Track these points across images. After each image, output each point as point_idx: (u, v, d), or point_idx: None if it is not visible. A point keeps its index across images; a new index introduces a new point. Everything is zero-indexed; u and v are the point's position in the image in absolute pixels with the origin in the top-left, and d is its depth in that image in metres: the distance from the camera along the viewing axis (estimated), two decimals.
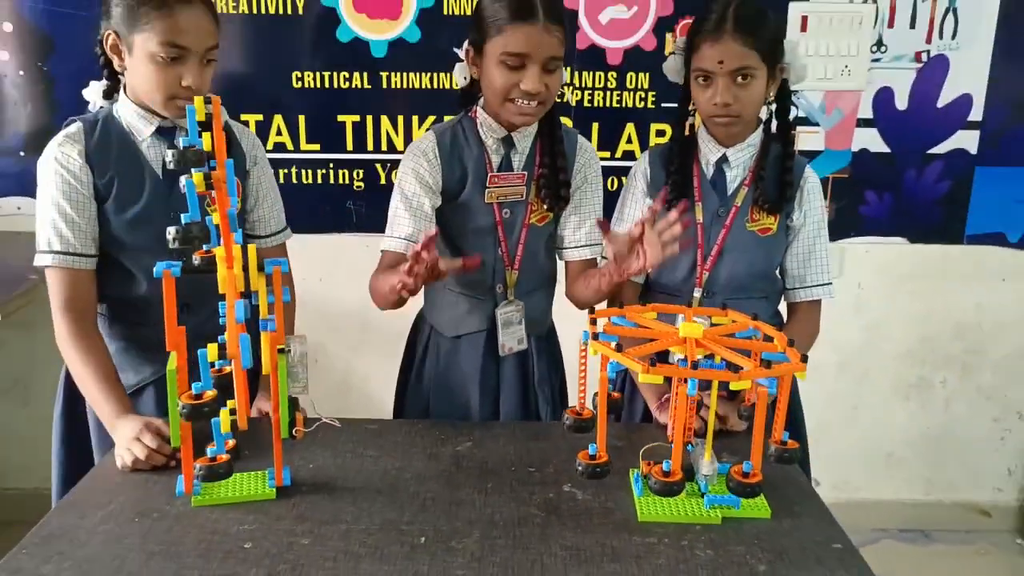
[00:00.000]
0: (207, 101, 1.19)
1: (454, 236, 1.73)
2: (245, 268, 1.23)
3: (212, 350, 1.20)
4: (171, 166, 1.19)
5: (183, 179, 1.24)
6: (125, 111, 1.57)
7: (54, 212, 1.53)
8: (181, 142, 1.20)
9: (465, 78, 1.69)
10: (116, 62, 1.53)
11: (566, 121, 2.55)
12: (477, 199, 1.69)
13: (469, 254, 1.68)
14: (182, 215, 1.19)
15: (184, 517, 1.28)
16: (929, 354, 2.89)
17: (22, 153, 2.60)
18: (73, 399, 1.69)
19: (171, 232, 1.18)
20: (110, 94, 1.61)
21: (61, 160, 1.53)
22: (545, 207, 1.73)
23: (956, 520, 3.01)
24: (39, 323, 2.63)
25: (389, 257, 1.65)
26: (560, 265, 1.83)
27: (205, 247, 1.29)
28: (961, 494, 3.02)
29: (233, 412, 1.25)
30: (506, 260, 1.73)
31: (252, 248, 1.27)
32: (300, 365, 1.36)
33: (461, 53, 1.68)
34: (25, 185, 2.61)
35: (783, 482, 1.40)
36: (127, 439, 1.41)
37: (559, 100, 1.67)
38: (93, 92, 1.64)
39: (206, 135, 1.21)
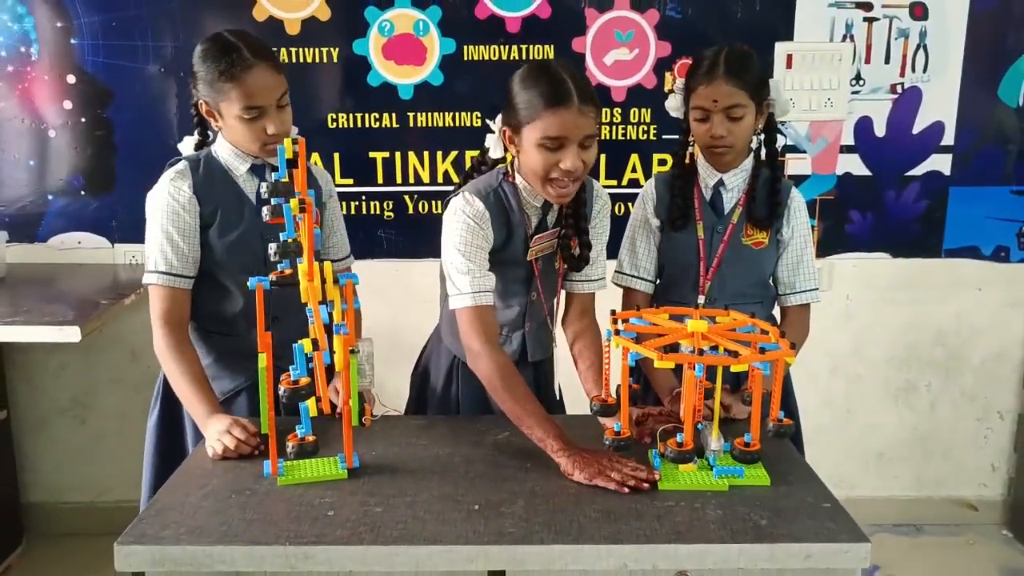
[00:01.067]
0: (295, 142, 1.45)
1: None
2: (324, 281, 1.47)
3: (306, 344, 1.44)
4: (265, 195, 1.44)
5: (266, 210, 1.49)
6: (223, 151, 1.83)
7: (163, 238, 1.77)
8: (273, 176, 1.45)
9: (500, 153, 1.79)
10: (212, 123, 1.80)
11: None
12: (519, 256, 1.81)
13: (504, 296, 1.84)
14: (280, 233, 1.44)
15: (273, 493, 1.51)
16: (914, 360, 3.10)
17: (82, 192, 2.85)
18: (170, 408, 1.92)
19: (272, 247, 1.43)
20: (201, 146, 1.87)
21: (172, 193, 1.78)
22: (566, 266, 1.86)
23: (945, 514, 3.20)
24: (96, 348, 2.90)
25: (484, 312, 1.71)
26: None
27: (279, 267, 1.54)
28: (949, 490, 3.21)
29: (318, 400, 1.48)
30: (545, 308, 1.89)
31: (328, 265, 1.52)
32: (367, 363, 1.61)
33: (494, 126, 1.78)
34: (85, 222, 2.86)
35: (779, 457, 1.63)
36: (218, 432, 1.64)
37: None
38: (186, 146, 1.90)
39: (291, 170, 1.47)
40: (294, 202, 1.42)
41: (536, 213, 1.81)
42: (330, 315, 1.50)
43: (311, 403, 1.47)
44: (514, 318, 1.88)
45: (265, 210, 1.51)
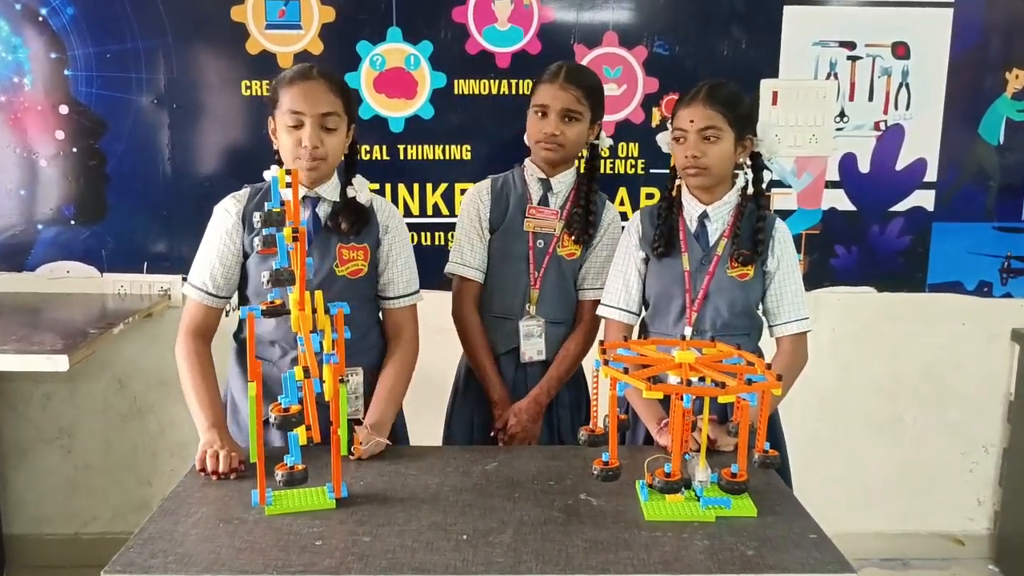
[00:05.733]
0: (288, 172, 1.47)
1: (496, 260, 2.14)
2: (326, 311, 1.48)
3: (298, 371, 1.45)
4: (257, 224, 1.46)
5: (258, 239, 1.50)
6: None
7: (205, 257, 1.87)
8: (267, 206, 1.47)
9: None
10: (274, 142, 1.84)
11: None
12: (517, 227, 2.12)
13: (506, 277, 2.08)
14: (274, 261, 1.45)
15: (261, 522, 1.50)
16: (899, 393, 3.12)
17: (72, 222, 2.85)
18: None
19: (264, 275, 1.44)
20: None
21: (220, 216, 1.88)
22: (573, 240, 2.11)
23: (932, 549, 3.21)
24: (83, 377, 2.89)
25: (458, 283, 2.16)
26: None
27: (270, 297, 1.55)
28: (935, 524, 3.22)
29: (309, 428, 1.48)
30: (532, 282, 2.12)
31: (319, 294, 1.53)
32: (355, 394, 1.61)
33: None
34: (75, 251, 2.86)
35: (766, 488, 1.65)
36: (206, 444, 1.71)
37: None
38: (270, 174, 1.89)
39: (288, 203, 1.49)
40: (287, 231, 1.44)
41: (537, 191, 2.13)
42: (321, 344, 1.52)
43: (301, 432, 1.48)
44: (515, 300, 2.13)
45: (257, 240, 1.52)
